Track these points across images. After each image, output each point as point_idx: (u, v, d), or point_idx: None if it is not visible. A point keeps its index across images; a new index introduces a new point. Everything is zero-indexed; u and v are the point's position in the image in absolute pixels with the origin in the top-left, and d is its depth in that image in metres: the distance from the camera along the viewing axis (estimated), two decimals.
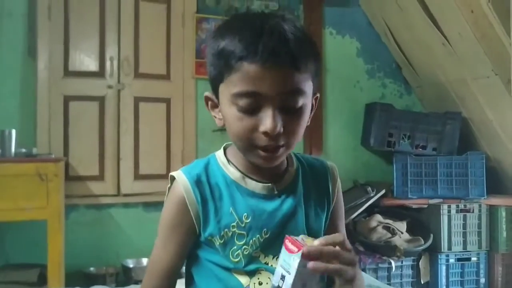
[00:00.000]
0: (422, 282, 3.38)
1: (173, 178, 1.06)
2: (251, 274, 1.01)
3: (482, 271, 3.44)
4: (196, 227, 1.02)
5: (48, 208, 2.60)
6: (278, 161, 1.02)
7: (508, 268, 3.43)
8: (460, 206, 3.43)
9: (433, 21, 3.31)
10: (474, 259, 3.43)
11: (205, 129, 3.38)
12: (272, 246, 1.02)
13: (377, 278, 3.02)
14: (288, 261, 0.86)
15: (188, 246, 1.05)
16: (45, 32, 3.09)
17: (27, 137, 2.97)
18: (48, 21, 3.10)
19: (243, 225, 1.01)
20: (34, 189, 2.57)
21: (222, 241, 1.01)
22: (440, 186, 3.47)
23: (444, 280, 3.37)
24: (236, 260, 1.01)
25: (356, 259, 0.91)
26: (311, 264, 0.85)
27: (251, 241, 1.01)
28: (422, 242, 3.30)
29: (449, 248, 3.39)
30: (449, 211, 3.41)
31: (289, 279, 0.85)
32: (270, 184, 1.05)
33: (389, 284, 3.09)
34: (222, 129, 1.02)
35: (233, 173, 1.05)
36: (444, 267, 3.38)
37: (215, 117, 1.05)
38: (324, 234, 1.10)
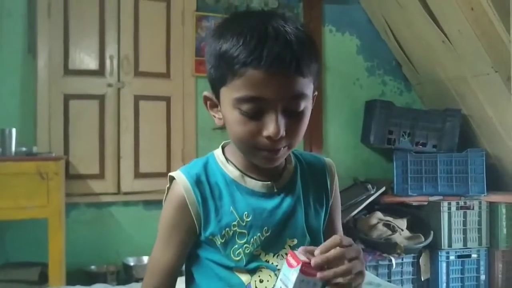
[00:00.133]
0: (422, 279, 3.38)
1: (172, 178, 1.06)
2: (252, 272, 1.01)
3: (482, 268, 3.44)
4: (197, 227, 1.03)
5: (49, 207, 2.60)
6: (279, 161, 1.03)
7: (508, 265, 3.44)
8: (460, 203, 3.43)
9: (433, 18, 3.31)
10: (474, 256, 3.44)
11: (205, 127, 3.39)
12: (273, 244, 1.02)
13: (377, 275, 3.02)
14: (287, 275, 0.87)
15: (188, 246, 1.05)
16: (45, 30, 3.09)
17: (27, 136, 2.97)
18: (48, 19, 3.10)
19: (244, 223, 1.02)
20: (35, 188, 2.58)
21: (223, 240, 1.01)
22: (440, 183, 3.47)
23: (444, 277, 3.38)
24: (237, 258, 1.01)
25: (359, 249, 0.92)
26: (319, 275, 0.85)
27: (252, 239, 1.01)
28: (423, 239, 3.31)
29: (449, 245, 3.39)
30: (449, 208, 3.41)
31: None
32: (269, 182, 1.05)
33: (390, 281, 3.10)
34: (222, 128, 1.02)
35: (232, 172, 1.05)
36: (444, 264, 3.39)
37: (215, 116, 1.05)
38: (323, 230, 1.10)
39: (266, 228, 1.02)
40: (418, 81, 3.92)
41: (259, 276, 1.01)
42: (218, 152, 1.09)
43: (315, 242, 1.01)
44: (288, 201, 1.05)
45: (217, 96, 1.00)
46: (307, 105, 0.97)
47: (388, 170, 3.64)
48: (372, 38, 3.89)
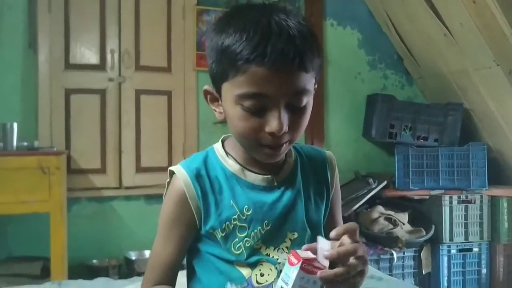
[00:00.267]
0: (423, 273, 3.39)
1: (172, 173, 1.06)
2: (252, 266, 1.01)
3: (483, 262, 3.45)
4: (197, 221, 1.03)
5: (51, 201, 2.60)
6: (281, 157, 1.03)
7: (509, 258, 3.44)
8: (461, 197, 3.43)
9: (434, 11, 3.29)
10: (475, 250, 3.44)
11: (206, 121, 3.38)
12: (273, 238, 1.02)
13: (378, 269, 3.03)
14: (288, 273, 0.88)
15: (188, 240, 1.06)
16: (46, 25, 3.09)
17: (28, 131, 2.97)
18: (49, 14, 3.09)
19: (244, 217, 1.02)
20: (36, 182, 2.58)
21: (223, 234, 1.01)
22: (442, 177, 3.47)
23: (445, 271, 3.38)
24: (238, 252, 1.01)
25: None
26: (319, 274, 0.86)
27: (252, 233, 1.01)
28: (424, 233, 3.31)
29: (451, 239, 3.39)
30: (450, 202, 3.41)
31: None
32: (269, 176, 1.05)
33: (391, 275, 3.10)
34: (223, 122, 1.02)
35: (232, 165, 1.05)
36: (445, 258, 3.39)
37: (215, 110, 1.04)
38: (324, 224, 1.10)
39: (266, 221, 1.02)
40: (419, 75, 3.92)
41: (259, 270, 1.01)
42: (218, 146, 1.09)
43: (316, 236, 1.01)
44: (288, 195, 1.05)
45: (218, 90, 1.00)
46: (309, 100, 0.97)
47: (390, 164, 3.64)
48: (373, 31, 3.87)
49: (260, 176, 1.04)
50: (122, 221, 3.25)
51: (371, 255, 3.17)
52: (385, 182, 3.42)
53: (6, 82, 3.05)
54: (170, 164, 3.14)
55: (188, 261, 1.10)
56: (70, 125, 3.15)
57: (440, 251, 3.38)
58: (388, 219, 3.32)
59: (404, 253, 3.28)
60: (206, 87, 1.05)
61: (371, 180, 3.39)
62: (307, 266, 0.86)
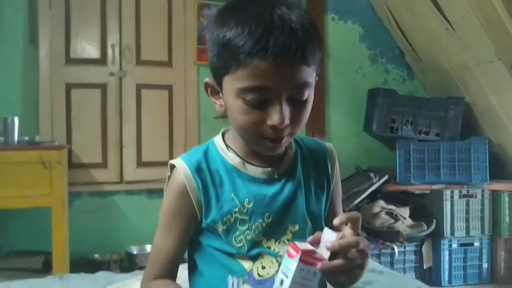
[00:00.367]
0: (425, 267, 3.39)
1: (172, 166, 1.06)
2: (254, 258, 1.01)
3: (484, 256, 3.45)
4: (198, 214, 1.03)
5: (52, 195, 2.61)
6: (281, 149, 1.03)
7: (510, 253, 3.44)
8: (463, 191, 3.43)
9: (436, 5, 3.28)
10: (476, 244, 3.44)
11: (207, 116, 3.38)
12: (274, 231, 1.02)
13: (380, 263, 3.03)
14: (287, 266, 0.88)
15: (189, 233, 1.06)
16: (46, 20, 3.09)
17: (29, 125, 2.98)
18: (49, 9, 3.09)
19: (245, 210, 1.02)
20: (38, 177, 2.58)
21: (224, 227, 1.01)
22: (443, 172, 3.47)
23: (446, 265, 3.39)
24: (239, 245, 1.01)
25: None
26: (319, 266, 0.86)
27: (253, 226, 1.01)
28: (425, 227, 3.31)
29: (452, 234, 3.39)
30: (452, 197, 3.41)
31: (287, 282, 0.87)
32: (270, 169, 1.05)
33: (392, 270, 3.10)
34: (225, 116, 1.02)
35: (232, 158, 1.05)
36: (446, 252, 3.39)
37: (216, 103, 1.04)
38: (324, 216, 1.10)
39: (267, 214, 1.02)
40: (421, 69, 3.91)
41: (261, 263, 1.01)
42: (218, 139, 1.09)
43: (317, 228, 1.01)
44: (289, 187, 1.05)
45: (219, 83, 0.99)
46: (310, 93, 0.97)
47: (391, 158, 3.64)
48: (375, 26, 3.86)
49: (260, 169, 1.04)
50: (123, 215, 3.26)
51: (372, 250, 3.17)
52: (386, 177, 3.42)
53: (7, 77, 3.05)
54: (171, 159, 3.14)
55: (189, 254, 1.10)
56: (71, 120, 3.15)
57: (441, 245, 3.38)
58: (389, 213, 3.32)
59: (405, 248, 3.29)
60: (206, 79, 1.04)
61: (372, 175, 3.39)
62: (306, 258, 0.86)
